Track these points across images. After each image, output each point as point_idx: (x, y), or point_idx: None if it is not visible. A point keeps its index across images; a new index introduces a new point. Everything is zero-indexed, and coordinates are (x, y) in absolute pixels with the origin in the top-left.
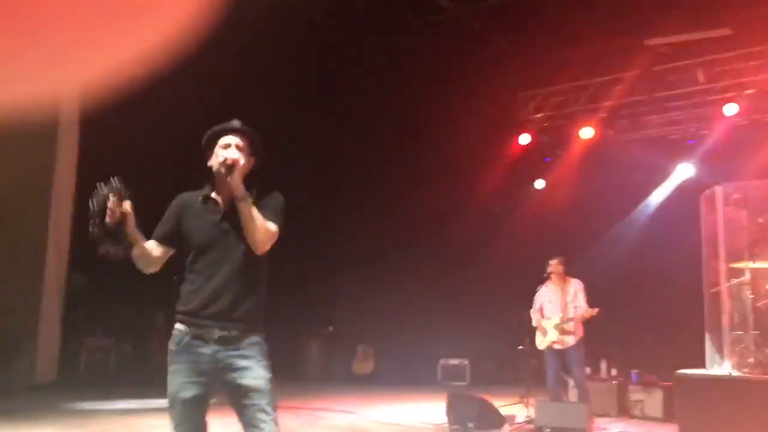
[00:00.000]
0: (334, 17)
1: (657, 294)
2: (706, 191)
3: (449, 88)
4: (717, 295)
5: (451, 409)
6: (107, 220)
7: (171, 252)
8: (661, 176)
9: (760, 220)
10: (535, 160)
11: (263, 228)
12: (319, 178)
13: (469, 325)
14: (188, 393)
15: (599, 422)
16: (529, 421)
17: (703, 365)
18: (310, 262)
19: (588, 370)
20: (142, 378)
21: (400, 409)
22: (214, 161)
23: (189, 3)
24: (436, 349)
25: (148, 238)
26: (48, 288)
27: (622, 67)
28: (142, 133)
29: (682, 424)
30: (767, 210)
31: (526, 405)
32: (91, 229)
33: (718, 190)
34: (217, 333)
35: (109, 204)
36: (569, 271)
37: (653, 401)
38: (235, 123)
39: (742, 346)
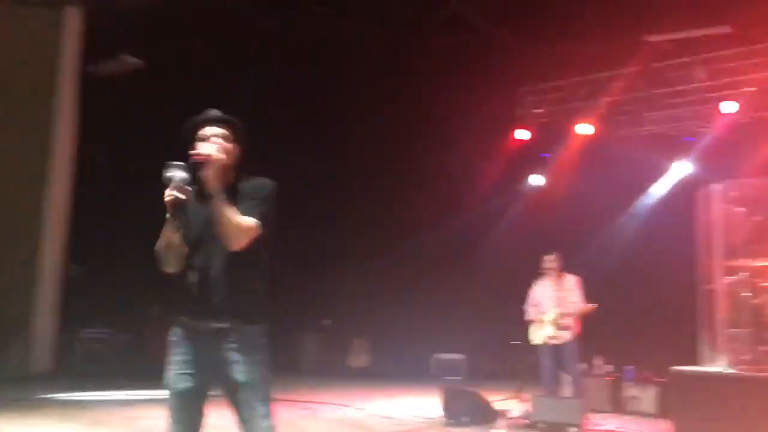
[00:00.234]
0: (333, 8)
1: (653, 290)
2: (704, 189)
3: (448, 83)
4: (712, 293)
5: (446, 404)
6: (173, 200)
7: None
8: (659, 173)
9: (758, 218)
10: (533, 156)
11: (236, 225)
12: (318, 173)
13: (464, 320)
14: (183, 384)
15: (594, 418)
16: (523, 416)
17: (697, 362)
18: (307, 256)
19: (583, 365)
20: (138, 369)
21: (395, 403)
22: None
23: None
24: (431, 344)
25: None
26: (44, 278)
27: (622, 64)
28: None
29: (677, 421)
30: (764, 208)
31: (521, 400)
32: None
33: (716, 187)
34: (211, 325)
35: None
36: (566, 267)
37: (648, 397)
38: (214, 112)
39: (737, 343)
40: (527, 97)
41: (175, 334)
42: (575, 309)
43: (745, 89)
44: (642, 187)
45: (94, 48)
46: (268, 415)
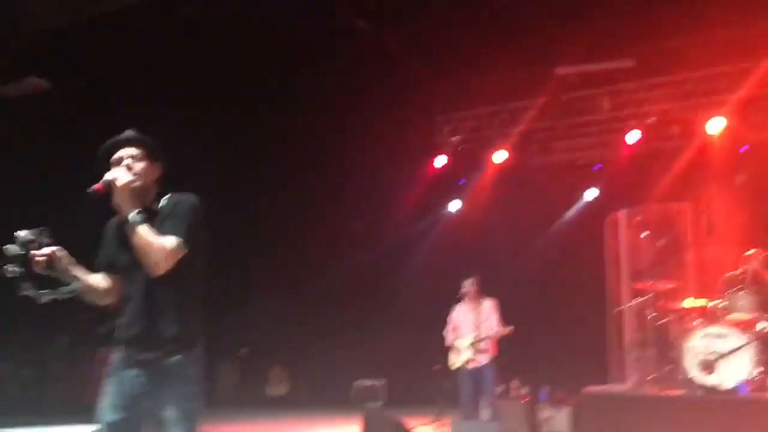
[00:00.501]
0: (251, 39)
1: (567, 313)
2: (610, 215)
3: (366, 110)
4: (620, 314)
5: (366, 430)
6: (35, 268)
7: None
8: (571, 200)
9: (661, 243)
10: (451, 183)
11: (156, 248)
12: (232, 198)
13: (384, 346)
14: (111, 417)
15: None
16: None
17: (608, 382)
18: (222, 283)
19: (500, 388)
20: (43, 404)
21: None
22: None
23: None
24: (351, 370)
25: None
26: None
27: (533, 94)
28: None
29: None
30: (667, 233)
31: (440, 425)
32: (8, 272)
33: (622, 213)
34: (137, 356)
35: (31, 254)
36: (483, 291)
37: (561, 418)
38: (125, 133)
39: (643, 363)
40: (444, 126)
41: (111, 365)
42: (492, 332)
43: (647, 120)
44: (555, 212)
45: None
46: None
